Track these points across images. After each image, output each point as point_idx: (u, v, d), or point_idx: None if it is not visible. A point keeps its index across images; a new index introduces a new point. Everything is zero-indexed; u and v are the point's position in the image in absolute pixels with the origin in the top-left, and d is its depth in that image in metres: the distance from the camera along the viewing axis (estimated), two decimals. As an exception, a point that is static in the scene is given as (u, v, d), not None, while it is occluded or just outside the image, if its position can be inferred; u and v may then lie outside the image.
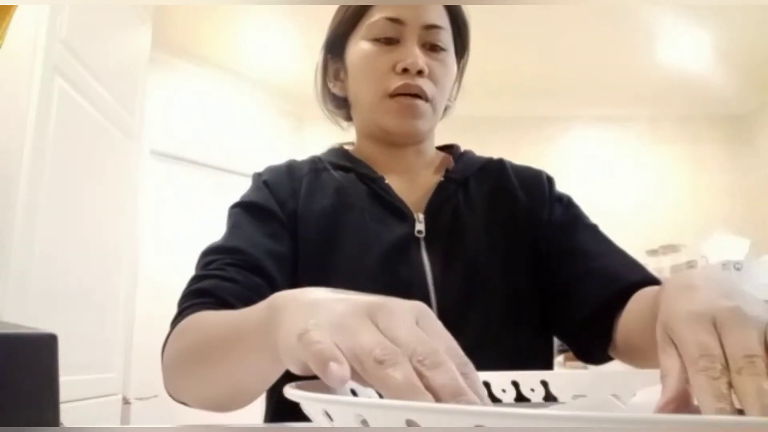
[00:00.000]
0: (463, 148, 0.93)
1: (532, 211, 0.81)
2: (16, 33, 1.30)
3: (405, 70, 0.73)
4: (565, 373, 0.47)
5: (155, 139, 3.12)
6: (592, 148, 4.04)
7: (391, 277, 0.71)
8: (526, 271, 0.76)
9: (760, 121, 3.91)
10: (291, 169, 0.80)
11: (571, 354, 2.24)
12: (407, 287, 0.71)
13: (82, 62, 1.70)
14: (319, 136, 4.34)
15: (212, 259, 0.69)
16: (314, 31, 3.44)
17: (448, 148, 0.92)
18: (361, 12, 0.78)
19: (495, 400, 0.46)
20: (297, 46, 3.24)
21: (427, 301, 0.71)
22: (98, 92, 1.81)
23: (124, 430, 1.03)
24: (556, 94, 3.87)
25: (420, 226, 0.76)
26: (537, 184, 0.87)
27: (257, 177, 0.80)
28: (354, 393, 0.38)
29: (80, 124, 1.70)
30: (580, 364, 2.08)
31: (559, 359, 2.24)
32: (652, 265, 2.10)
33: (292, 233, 0.73)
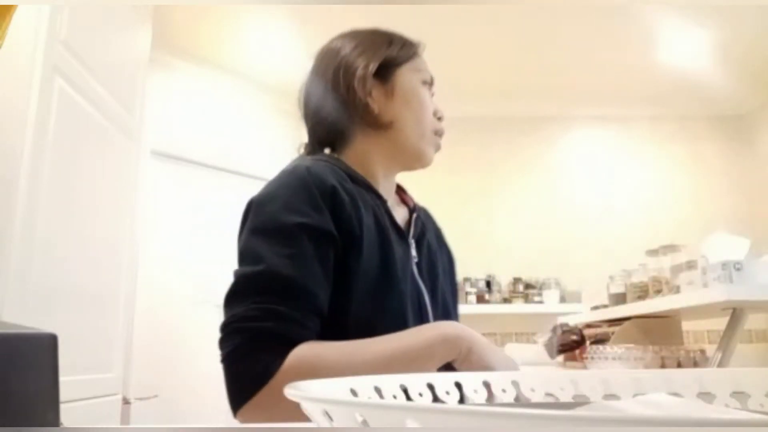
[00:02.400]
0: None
1: (451, 257, 1.04)
2: (16, 33, 1.30)
3: (440, 118, 0.96)
4: (566, 374, 0.47)
5: (155, 139, 3.12)
6: (592, 148, 4.04)
7: (413, 294, 0.85)
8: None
9: (760, 121, 3.91)
10: (335, 183, 0.81)
11: (571, 354, 2.24)
12: (420, 304, 0.86)
13: (82, 62, 1.70)
14: (319, 136, 4.21)
15: (289, 294, 0.73)
16: (314, 31, 3.45)
17: None
18: (410, 55, 0.94)
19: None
20: (297, 46, 3.24)
21: (427, 320, 0.86)
22: (98, 92, 1.80)
23: (124, 430, 1.03)
24: (556, 94, 3.87)
25: (414, 252, 0.89)
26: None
27: (308, 190, 0.79)
28: (354, 393, 0.38)
29: (80, 124, 1.70)
30: (579, 364, 2.08)
31: (559, 359, 2.24)
32: (652, 265, 2.10)
33: (343, 249, 0.79)
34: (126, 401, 2.41)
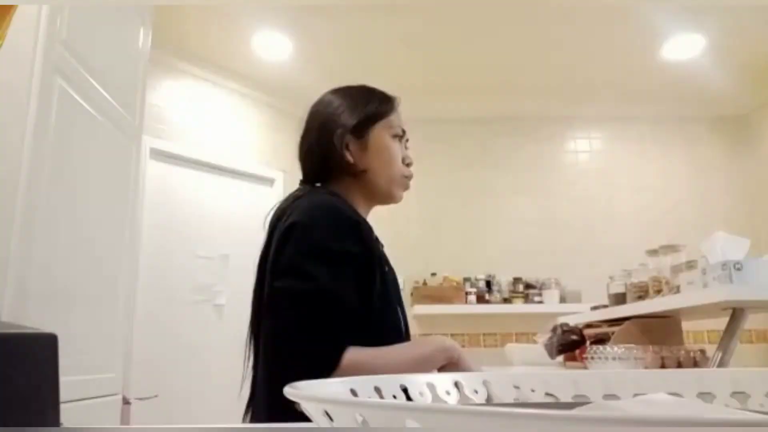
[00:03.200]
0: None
1: None
2: (16, 33, 1.30)
3: (409, 164, 1.15)
4: (566, 374, 0.47)
5: (155, 139, 3.12)
6: (592, 148, 4.04)
7: (400, 308, 1.08)
8: None
9: (760, 121, 3.91)
10: (358, 218, 1.01)
11: (571, 354, 2.24)
12: (403, 316, 1.07)
13: (82, 62, 1.70)
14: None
15: (333, 309, 0.90)
16: (314, 31, 3.42)
17: None
18: (384, 113, 1.12)
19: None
20: (297, 46, 3.24)
21: (406, 329, 1.08)
22: (98, 92, 1.80)
23: (124, 430, 1.03)
24: (557, 94, 3.87)
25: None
26: None
27: (346, 222, 0.98)
28: (354, 393, 0.38)
29: (80, 124, 1.70)
30: (579, 364, 2.08)
31: (559, 359, 2.24)
32: (652, 265, 2.10)
33: (367, 271, 0.97)
34: (126, 401, 2.41)
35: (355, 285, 0.93)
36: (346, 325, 0.89)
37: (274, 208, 1.08)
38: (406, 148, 1.16)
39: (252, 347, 1.05)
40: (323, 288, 0.89)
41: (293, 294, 0.89)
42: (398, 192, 1.13)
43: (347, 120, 1.09)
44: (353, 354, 0.87)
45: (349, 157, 1.08)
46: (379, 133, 1.11)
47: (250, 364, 1.04)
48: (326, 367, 0.85)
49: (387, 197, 1.12)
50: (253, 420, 0.97)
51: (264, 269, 1.02)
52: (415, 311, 3.51)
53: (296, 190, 1.10)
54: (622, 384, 0.45)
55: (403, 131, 1.15)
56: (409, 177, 1.14)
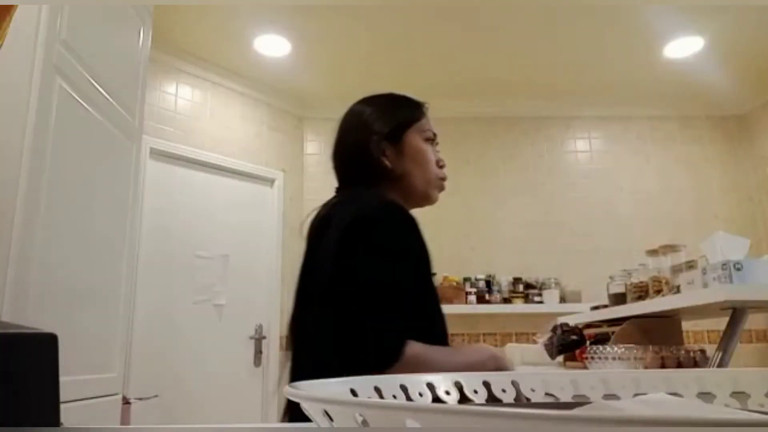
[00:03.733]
0: None
1: None
2: (16, 33, 1.30)
3: (442, 166, 1.19)
4: (566, 374, 0.47)
5: (155, 139, 3.12)
6: (592, 148, 4.04)
7: None
8: None
9: (760, 121, 3.91)
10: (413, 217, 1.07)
11: (571, 354, 2.23)
12: None
13: (82, 62, 1.70)
14: (317, 135, 4.36)
15: (404, 302, 0.95)
16: (314, 31, 3.42)
17: None
18: (416, 118, 1.17)
19: (495, 399, 0.46)
20: (296, 46, 3.24)
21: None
22: (98, 92, 1.80)
23: (124, 430, 1.03)
24: (556, 94, 3.87)
25: None
26: None
27: (410, 222, 1.02)
28: (354, 393, 0.38)
29: (80, 124, 1.70)
30: (579, 364, 2.08)
31: (559, 359, 2.24)
32: (652, 265, 2.10)
33: (426, 267, 1.04)
34: (126, 401, 2.41)
35: (417, 280, 0.99)
36: (409, 320, 0.93)
37: (312, 216, 1.13)
38: (437, 150, 1.20)
39: (293, 346, 1.07)
40: (391, 282, 0.94)
41: (363, 287, 0.93)
42: (435, 193, 1.18)
43: (381, 127, 1.13)
44: (416, 348, 0.91)
45: (387, 163, 1.12)
46: (413, 138, 1.15)
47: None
48: (391, 359, 0.88)
49: (424, 199, 1.17)
50: (295, 417, 0.96)
51: (309, 274, 1.05)
52: (415, 311, 3.50)
53: (334, 197, 1.14)
54: (622, 384, 0.45)
55: (434, 134, 1.19)
56: (443, 179, 1.18)
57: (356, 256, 0.96)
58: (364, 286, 0.93)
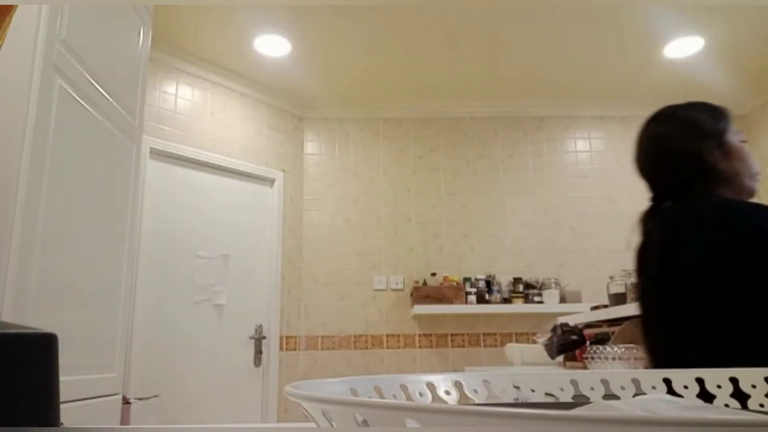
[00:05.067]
0: None
1: None
2: (16, 33, 1.30)
3: None
4: (566, 374, 0.47)
5: (155, 139, 3.12)
6: (592, 148, 4.04)
7: None
8: None
9: (760, 120, 3.91)
10: None
11: (571, 354, 2.24)
12: None
13: (82, 62, 1.71)
14: (317, 135, 4.35)
15: None
16: (314, 30, 3.41)
17: None
18: (731, 120, 1.28)
19: (495, 399, 0.46)
20: (297, 46, 3.24)
21: None
22: (98, 92, 1.81)
23: (124, 430, 1.03)
24: (556, 94, 3.87)
25: None
26: None
27: None
28: (354, 393, 0.38)
29: (80, 124, 1.70)
30: (579, 364, 2.08)
31: (559, 359, 2.24)
32: (652, 265, 2.09)
33: None
34: (126, 401, 2.42)
35: None
36: None
37: (660, 230, 1.29)
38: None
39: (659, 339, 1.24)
40: None
41: None
42: (755, 185, 1.28)
43: (708, 132, 1.25)
44: None
45: (720, 165, 1.23)
46: (734, 139, 1.27)
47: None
48: None
49: (749, 195, 1.27)
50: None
51: (681, 274, 1.18)
52: (415, 311, 3.51)
53: (670, 205, 1.28)
54: (622, 384, 0.45)
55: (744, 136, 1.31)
56: (759, 172, 1.30)
57: None
58: None
